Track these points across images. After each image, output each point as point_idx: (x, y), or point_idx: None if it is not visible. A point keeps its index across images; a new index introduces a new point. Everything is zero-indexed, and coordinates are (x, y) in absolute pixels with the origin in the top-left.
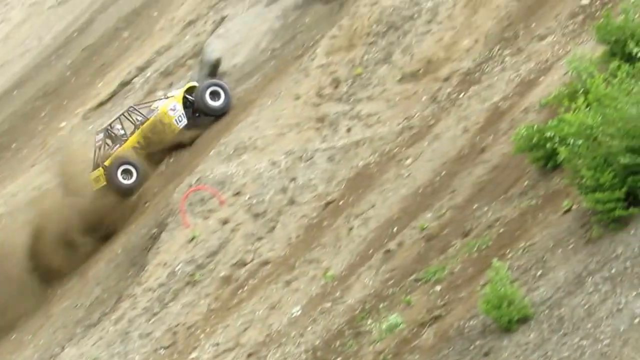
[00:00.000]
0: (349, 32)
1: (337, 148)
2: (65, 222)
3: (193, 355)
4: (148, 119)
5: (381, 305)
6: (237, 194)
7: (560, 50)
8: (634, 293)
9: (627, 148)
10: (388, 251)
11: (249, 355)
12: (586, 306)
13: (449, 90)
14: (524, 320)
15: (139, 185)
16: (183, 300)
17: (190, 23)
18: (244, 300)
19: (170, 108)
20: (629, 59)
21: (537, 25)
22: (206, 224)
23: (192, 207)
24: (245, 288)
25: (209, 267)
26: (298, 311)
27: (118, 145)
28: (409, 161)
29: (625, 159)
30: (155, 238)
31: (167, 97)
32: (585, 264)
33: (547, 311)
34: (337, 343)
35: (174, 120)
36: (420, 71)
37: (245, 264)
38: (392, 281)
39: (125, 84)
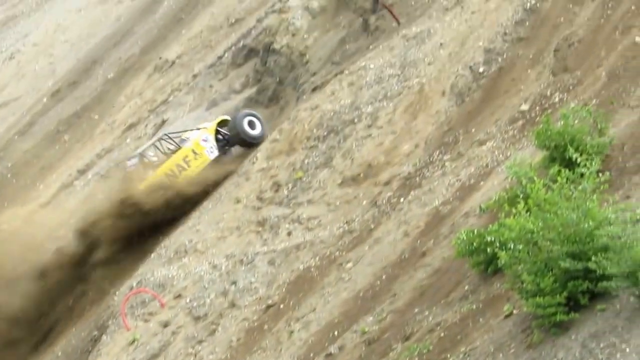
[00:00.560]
0: (289, 136)
1: (278, 251)
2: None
3: None
4: (180, 148)
5: None
6: (178, 296)
7: (500, 155)
8: None
9: (567, 253)
10: (329, 355)
11: None
12: None
13: (389, 194)
14: None
15: None
16: None
17: (131, 126)
18: None
19: (202, 139)
20: (569, 164)
21: (477, 131)
22: (147, 326)
23: (132, 310)
24: None
25: None
26: None
27: (151, 172)
28: (349, 265)
29: (565, 264)
30: (95, 340)
31: (199, 129)
32: None
33: None
34: None
35: (205, 151)
36: (361, 175)
37: None
38: None
39: (66, 186)
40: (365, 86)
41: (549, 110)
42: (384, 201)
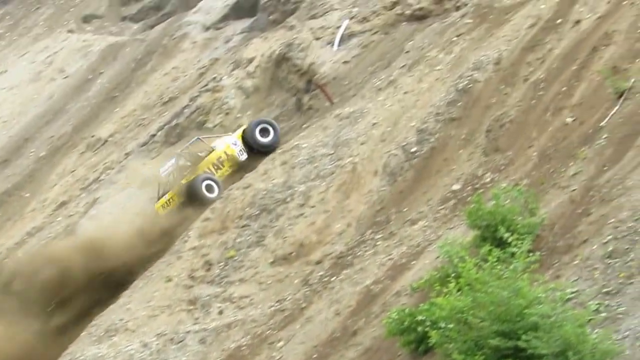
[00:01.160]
0: (221, 215)
1: (209, 330)
2: None
3: None
4: (213, 150)
5: None
6: None
7: (432, 235)
8: None
9: (497, 332)
10: None
11: None
12: None
13: (321, 273)
14: None
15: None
16: None
17: (62, 204)
18: None
19: (232, 142)
20: (500, 243)
21: (409, 210)
22: None
23: None
24: None
25: None
26: None
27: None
28: (280, 344)
29: (495, 342)
30: None
31: (226, 135)
32: None
33: None
34: None
35: (236, 153)
36: (293, 254)
37: None
38: None
39: None
40: (298, 165)
41: (481, 190)
42: (316, 280)
